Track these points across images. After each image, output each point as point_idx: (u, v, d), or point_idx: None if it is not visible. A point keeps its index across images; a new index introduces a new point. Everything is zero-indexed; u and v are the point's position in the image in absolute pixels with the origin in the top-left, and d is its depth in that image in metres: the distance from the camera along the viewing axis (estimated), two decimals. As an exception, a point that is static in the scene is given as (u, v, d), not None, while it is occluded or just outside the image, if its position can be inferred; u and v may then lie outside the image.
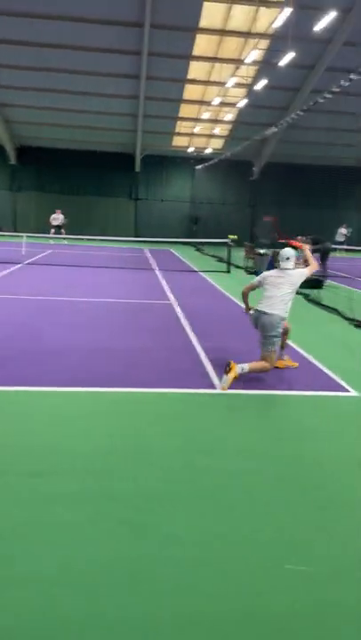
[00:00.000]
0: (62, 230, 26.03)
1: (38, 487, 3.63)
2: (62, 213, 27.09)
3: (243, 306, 6.70)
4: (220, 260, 21.46)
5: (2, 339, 7.48)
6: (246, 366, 5.84)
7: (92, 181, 33.17)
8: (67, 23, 21.10)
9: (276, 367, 6.50)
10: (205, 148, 33.40)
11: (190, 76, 25.60)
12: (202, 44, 23.09)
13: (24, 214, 32.80)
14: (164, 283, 14.26)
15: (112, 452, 4.18)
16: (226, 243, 19.34)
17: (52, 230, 26.25)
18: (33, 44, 22.51)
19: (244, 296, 6.60)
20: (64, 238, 25.17)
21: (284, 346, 6.72)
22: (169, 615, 2.55)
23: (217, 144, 33.41)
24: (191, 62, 24.38)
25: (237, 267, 19.51)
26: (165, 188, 34.52)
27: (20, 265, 16.61)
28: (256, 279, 6.53)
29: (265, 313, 6.09)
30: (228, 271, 18.05)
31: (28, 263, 17.31)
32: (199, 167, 31.79)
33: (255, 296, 6.37)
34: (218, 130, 31.52)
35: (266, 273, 6.51)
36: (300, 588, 2.78)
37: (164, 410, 5.17)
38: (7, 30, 21.42)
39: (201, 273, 17.34)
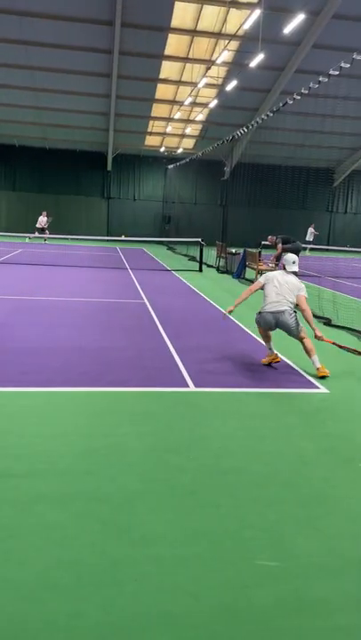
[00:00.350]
0: (47, 231, 25.84)
1: (19, 488, 3.61)
2: (47, 215, 26.79)
3: (235, 302, 6.80)
4: (193, 259, 21.59)
5: (-26, 339, 7.39)
6: (314, 359, 6.45)
7: (65, 180, 32.82)
8: (39, 20, 20.85)
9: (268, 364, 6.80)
10: (177, 148, 33.45)
11: (162, 75, 25.60)
12: (173, 44, 23.13)
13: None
14: (137, 282, 14.27)
15: (90, 452, 4.17)
16: (198, 242, 19.48)
17: (35, 232, 25.91)
18: (2, 41, 22.17)
19: (247, 293, 6.71)
20: (45, 239, 25.03)
21: (270, 339, 6.87)
22: (154, 615, 2.56)
23: (188, 144, 33.49)
24: (163, 62, 24.39)
25: (209, 266, 19.68)
26: (138, 187, 34.45)
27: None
28: (261, 279, 6.75)
29: (280, 312, 6.42)
30: (201, 270, 18.19)
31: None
32: (171, 166, 31.81)
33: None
34: (189, 130, 31.62)
35: (271, 274, 6.74)
36: (281, 583, 2.82)
37: (140, 409, 5.17)
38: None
39: (174, 272, 17.40)
